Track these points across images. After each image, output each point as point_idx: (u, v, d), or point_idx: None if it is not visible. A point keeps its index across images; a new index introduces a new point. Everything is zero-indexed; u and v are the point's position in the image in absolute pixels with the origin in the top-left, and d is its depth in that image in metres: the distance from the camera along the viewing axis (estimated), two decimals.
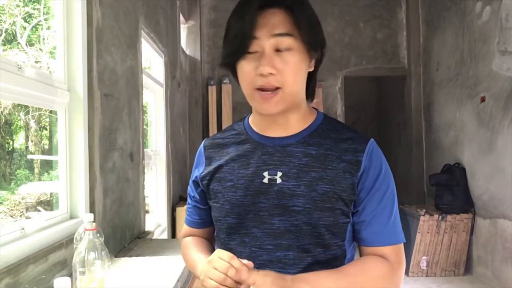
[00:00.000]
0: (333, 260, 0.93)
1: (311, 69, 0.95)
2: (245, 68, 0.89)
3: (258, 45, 0.87)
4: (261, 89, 0.88)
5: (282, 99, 0.89)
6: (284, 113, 0.93)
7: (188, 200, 1.12)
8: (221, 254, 0.85)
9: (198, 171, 1.04)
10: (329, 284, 0.85)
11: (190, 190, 1.09)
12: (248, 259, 0.90)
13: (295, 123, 0.96)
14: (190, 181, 1.09)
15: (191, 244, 1.08)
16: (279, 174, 0.92)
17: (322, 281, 0.86)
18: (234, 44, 0.88)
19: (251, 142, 0.99)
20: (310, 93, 1.00)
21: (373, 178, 0.93)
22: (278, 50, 0.87)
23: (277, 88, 0.88)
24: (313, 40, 0.90)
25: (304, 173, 0.91)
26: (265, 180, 0.93)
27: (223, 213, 0.97)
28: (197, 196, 1.07)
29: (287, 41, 0.87)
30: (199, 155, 1.06)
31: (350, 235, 0.96)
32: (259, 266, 0.92)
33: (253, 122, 1.01)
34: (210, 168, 1.01)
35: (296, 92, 0.92)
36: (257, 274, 0.82)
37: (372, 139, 0.96)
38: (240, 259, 0.84)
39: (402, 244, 0.96)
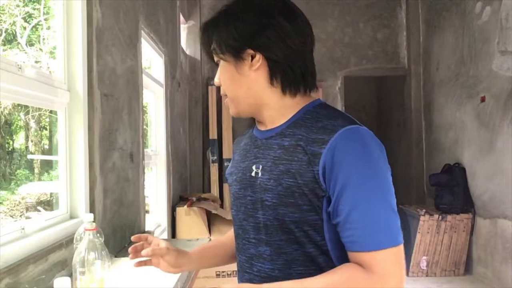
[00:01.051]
0: (311, 259, 0.88)
1: (254, 67, 0.92)
2: None
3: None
4: None
5: (231, 103, 0.98)
6: (254, 113, 0.98)
7: None
8: None
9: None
10: None
11: None
12: (239, 252, 1.00)
13: (274, 119, 0.96)
14: None
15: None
16: (260, 167, 0.94)
17: None
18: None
19: (251, 137, 1.03)
20: (288, 90, 0.94)
21: (341, 174, 0.82)
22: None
23: (226, 96, 0.99)
24: (220, 48, 0.94)
25: (275, 166, 0.90)
26: (253, 174, 0.95)
27: (231, 205, 1.04)
28: None
29: (215, 56, 0.97)
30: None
31: (335, 234, 0.86)
32: (247, 259, 0.96)
33: None
34: (231, 163, 1.09)
35: (243, 95, 0.95)
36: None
37: (347, 128, 0.85)
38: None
39: (390, 251, 0.80)
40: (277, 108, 0.95)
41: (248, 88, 0.94)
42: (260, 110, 0.96)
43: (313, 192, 0.85)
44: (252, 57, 0.92)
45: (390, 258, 0.80)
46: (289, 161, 0.88)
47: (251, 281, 0.95)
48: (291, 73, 0.93)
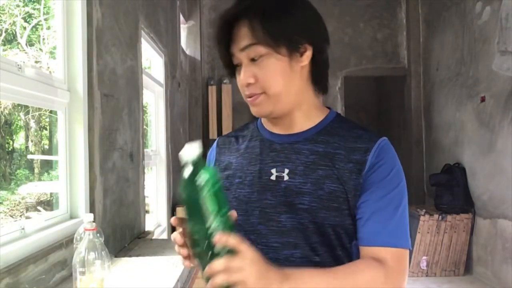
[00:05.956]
0: (337, 262, 0.90)
1: (303, 63, 0.91)
2: (237, 80, 0.95)
3: (237, 59, 0.92)
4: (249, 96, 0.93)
5: (267, 102, 0.91)
6: (286, 113, 0.94)
7: None
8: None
9: None
10: (316, 285, 0.80)
11: None
12: None
13: (301, 121, 0.96)
14: None
15: None
16: (286, 171, 0.92)
17: (310, 281, 0.80)
18: (223, 62, 0.95)
19: (260, 140, 0.99)
20: (320, 89, 0.97)
21: (379, 175, 0.89)
22: (253, 60, 0.90)
23: (261, 93, 0.91)
24: (276, 40, 0.87)
25: (311, 171, 0.90)
26: (273, 177, 0.93)
27: (233, 209, 0.98)
28: None
29: (255, 50, 0.89)
30: (211, 152, 1.07)
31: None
32: None
33: (264, 120, 1.02)
34: (221, 165, 1.02)
35: (286, 93, 0.91)
36: (245, 257, 0.71)
37: (383, 138, 0.93)
38: None
39: (405, 251, 0.87)
40: (307, 110, 0.95)
41: (294, 85, 0.91)
42: (293, 111, 0.94)
43: (355, 198, 0.89)
44: (302, 52, 0.90)
45: (404, 258, 0.88)
46: (329, 167, 0.90)
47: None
48: (326, 71, 0.96)
